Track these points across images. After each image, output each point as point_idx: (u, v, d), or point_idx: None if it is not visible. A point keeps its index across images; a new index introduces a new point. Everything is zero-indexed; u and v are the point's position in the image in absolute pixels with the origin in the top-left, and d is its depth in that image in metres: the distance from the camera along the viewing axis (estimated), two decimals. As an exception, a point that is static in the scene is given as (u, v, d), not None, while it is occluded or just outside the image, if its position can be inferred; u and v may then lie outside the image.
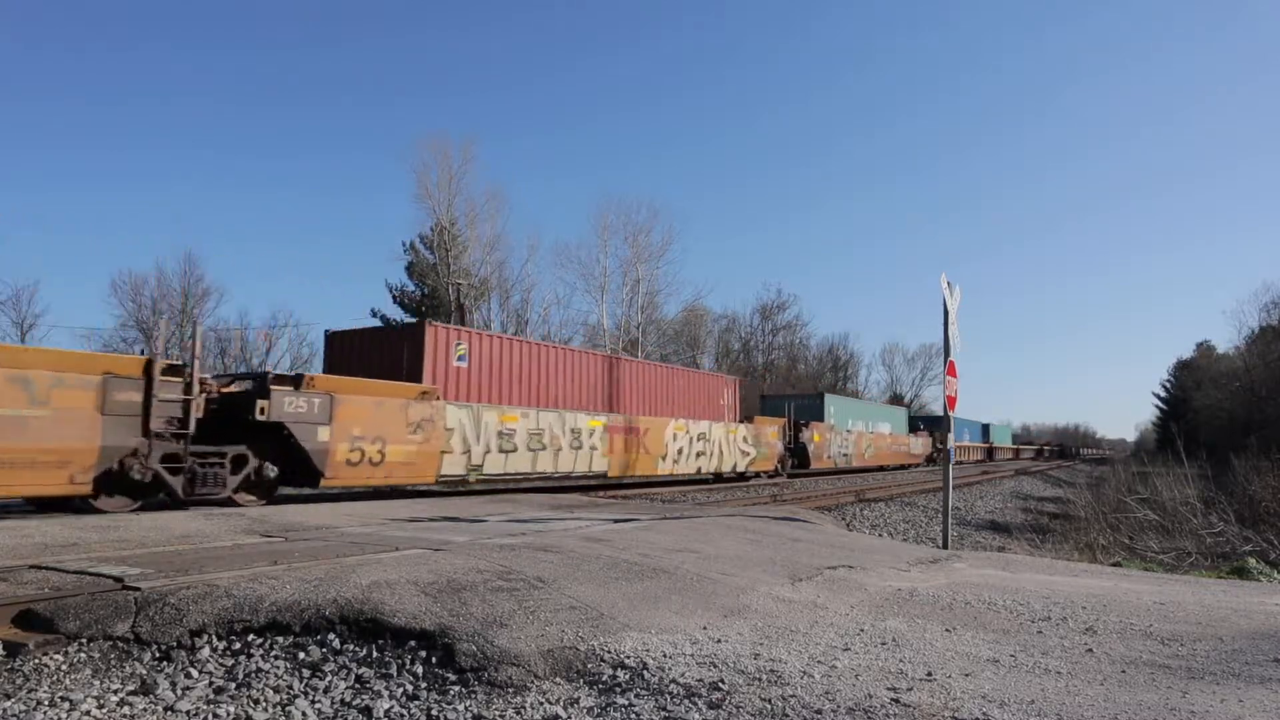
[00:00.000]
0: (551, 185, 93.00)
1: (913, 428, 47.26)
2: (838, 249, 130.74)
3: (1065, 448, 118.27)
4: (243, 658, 4.04)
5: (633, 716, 3.26)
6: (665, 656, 3.93)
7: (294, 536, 7.52)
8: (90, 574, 5.15)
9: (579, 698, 3.49)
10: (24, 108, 68.98)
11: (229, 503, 11.28)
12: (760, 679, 3.64)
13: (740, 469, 24.56)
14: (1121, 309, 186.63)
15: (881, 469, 39.32)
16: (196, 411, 10.83)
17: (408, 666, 3.89)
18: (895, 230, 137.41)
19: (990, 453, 66.07)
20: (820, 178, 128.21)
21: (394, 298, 47.10)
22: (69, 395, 9.51)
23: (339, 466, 12.33)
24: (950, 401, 10.58)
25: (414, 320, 45.69)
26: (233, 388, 12.02)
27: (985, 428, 67.95)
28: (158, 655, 4.05)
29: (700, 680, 3.60)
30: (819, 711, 3.24)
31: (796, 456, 28.42)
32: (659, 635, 4.32)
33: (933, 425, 50.33)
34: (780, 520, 11.07)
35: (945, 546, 10.32)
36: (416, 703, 3.53)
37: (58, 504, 9.98)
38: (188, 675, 3.83)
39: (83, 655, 3.98)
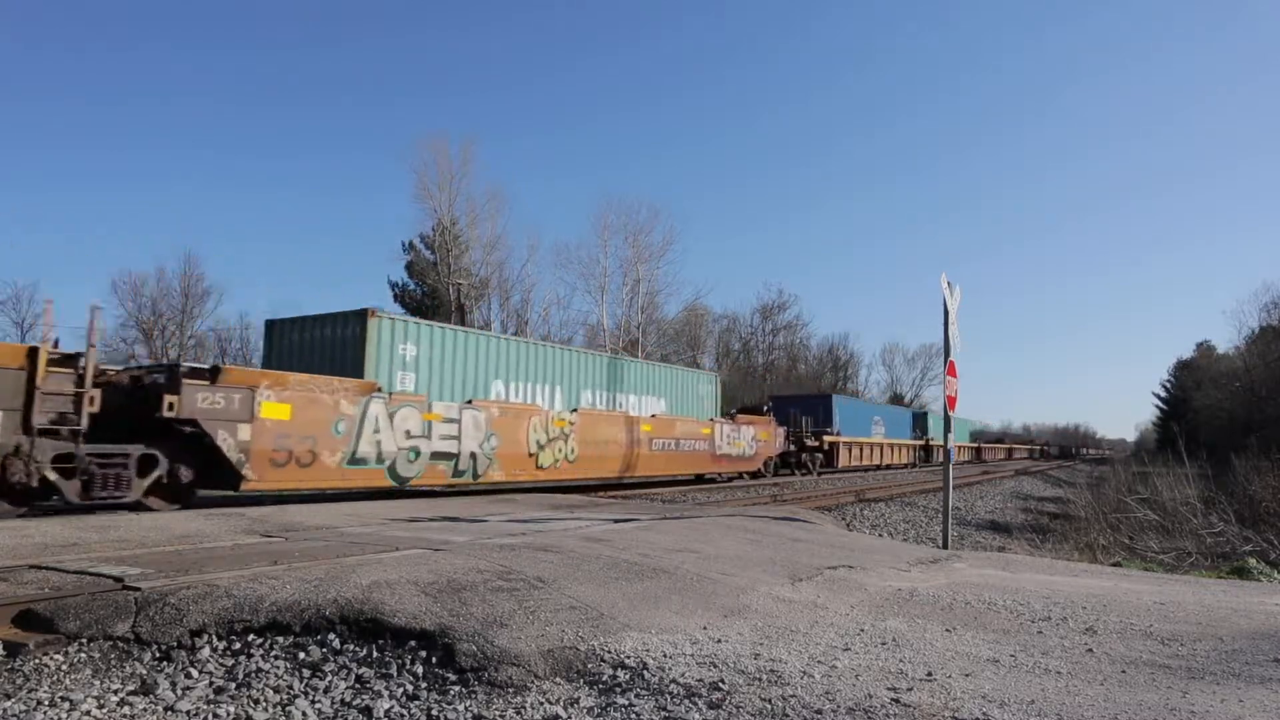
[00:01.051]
0: (551, 185, 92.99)
1: (748, 410, 27.64)
2: (838, 249, 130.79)
3: (1065, 448, 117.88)
4: (243, 658, 4.04)
5: (633, 716, 3.26)
6: (665, 656, 3.93)
7: (294, 536, 7.52)
8: (90, 574, 5.16)
9: (579, 698, 3.49)
10: (24, 108, 68.97)
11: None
12: (760, 679, 3.64)
13: None
14: (1121, 309, 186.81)
15: (670, 483, 21.20)
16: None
17: (408, 666, 3.89)
18: (895, 230, 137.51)
19: (928, 453, 47.31)
20: (820, 178, 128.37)
21: (395, 296, 47.23)
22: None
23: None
24: (950, 401, 10.58)
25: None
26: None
27: (919, 418, 50.23)
28: (158, 655, 4.05)
29: (700, 680, 3.60)
30: (819, 711, 3.24)
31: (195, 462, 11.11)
32: (659, 635, 4.32)
33: (799, 410, 29.83)
34: (780, 520, 11.07)
35: (945, 546, 10.33)
36: (417, 703, 3.53)
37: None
38: (188, 675, 3.83)
39: (83, 655, 3.98)
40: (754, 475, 25.30)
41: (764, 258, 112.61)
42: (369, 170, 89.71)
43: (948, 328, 10.34)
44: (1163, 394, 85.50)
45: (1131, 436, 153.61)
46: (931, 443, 47.27)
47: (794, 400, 34.36)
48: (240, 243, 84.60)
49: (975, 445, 65.24)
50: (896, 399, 73.85)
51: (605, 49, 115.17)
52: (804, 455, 29.50)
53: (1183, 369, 76.46)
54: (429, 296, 44.55)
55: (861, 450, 36.26)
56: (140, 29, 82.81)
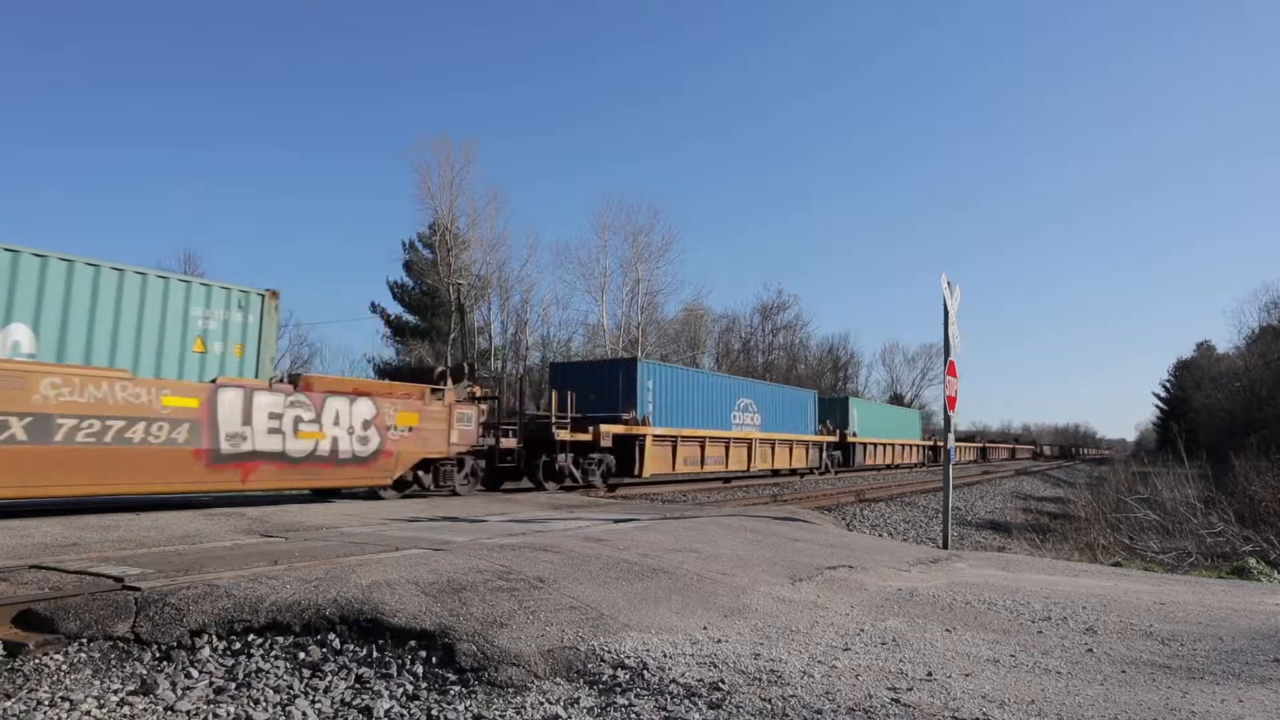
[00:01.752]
0: (551, 185, 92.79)
1: (415, 374, 17.36)
2: (838, 249, 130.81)
3: (1065, 447, 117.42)
4: (243, 658, 4.04)
5: (633, 716, 3.26)
6: (665, 656, 3.93)
7: (294, 536, 7.52)
8: (90, 574, 5.16)
9: (579, 698, 3.49)
10: (24, 108, 68.85)
11: None
12: (760, 679, 3.64)
13: None
14: (1121, 309, 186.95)
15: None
16: None
17: (408, 666, 3.89)
18: (895, 230, 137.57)
19: (848, 453, 34.45)
20: (820, 178, 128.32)
21: (394, 296, 47.32)
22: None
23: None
24: (950, 401, 10.58)
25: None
26: None
27: (834, 405, 35.47)
28: (158, 655, 4.05)
29: (700, 680, 3.60)
30: (819, 711, 3.24)
31: None
32: (659, 635, 4.32)
33: (567, 383, 20.17)
34: (780, 520, 11.07)
35: (945, 546, 10.33)
36: (417, 703, 3.53)
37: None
38: (188, 675, 3.84)
39: (83, 655, 3.98)
40: (407, 489, 14.25)
41: (764, 258, 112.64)
42: (369, 170, 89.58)
43: (948, 328, 10.34)
44: (1163, 394, 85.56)
45: (1131, 436, 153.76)
46: (854, 439, 34.92)
47: (578, 370, 23.22)
48: (240, 243, 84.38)
49: (933, 444, 48.92)
50: (896, 399, 73.66)
51: (605, 49, 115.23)
52: (560, 457, 17.54)
53: (1183, 369, 76.43)
54: (428, 296, 44.58)
55: (703, 449, 22.98)
56: (140, 29, 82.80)
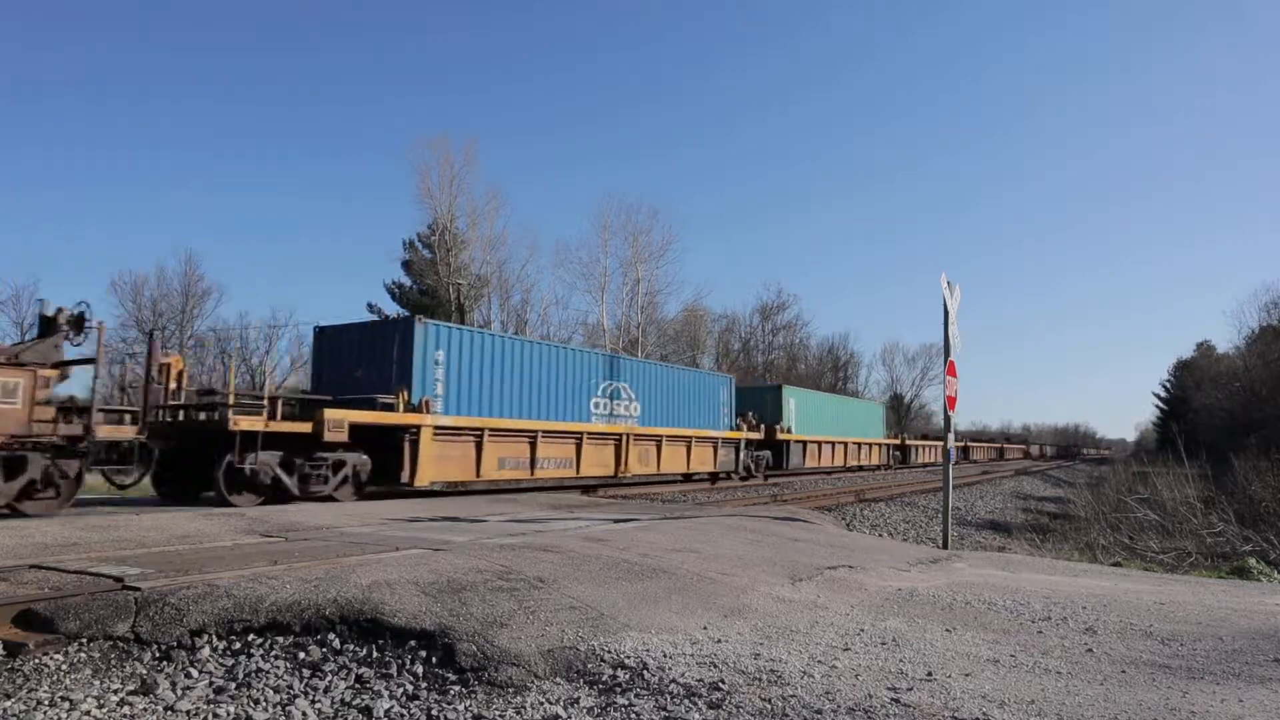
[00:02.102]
0: (551, 185, 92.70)
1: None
2: (838, 249, 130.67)
3: (1065, 447, 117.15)
4: (243, 658, 4.04)
5: (633, 716, 3.26)
6: (665, 656, 3.93)
7: (294, 536, 7.52)
8: (90, 574, 5.16)
9: (579, 698, 3.49)
10: (24, 108, 68.78)
11: None
12: (760, 679, 3.64)
13: None
14: (1121, 309, 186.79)
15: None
16: None
17: (408, 666, 3.89)
18: (895, 230, 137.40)
19: (782, 452, 27.93)
20: (820, 178, 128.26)
21: (393, 296, 47.32)
22: None
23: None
24: (950, 401, 10.59)
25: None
26: None
27: (762, 397, 29.00)
28: (158, 655, 4.05)
29: (700, 680, 3.60)
30: (819, 711, 3.24)
31: None
32: (659, 635, 4.32)
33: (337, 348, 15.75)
34: (780, 520, 11.08)
35: (945, 546, 10.33)
36: (417, 703, 3.53)
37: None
38: (188, 675, 3.84)
39: (83, 655, 3.98)
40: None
41: (764, 258, 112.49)
42: (369, 170, 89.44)
43: (948, 328, 10.35)
44: (1163, 394, 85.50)
45: (1131, 436, 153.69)
46: (787, 436, 28.29)
47: (346, 335, 15.92)
48: (240, 243, 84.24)
49: (900, 443, 43.62)
50: (896, 399, 73.49)
51: (605, 49, 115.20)
52: (249, 457, 11.73)
53: (1183, 369, 76.41)
54: (427, 295, 44.58)
55: (533, 447, 16.84)
56: (141, 29, 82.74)
